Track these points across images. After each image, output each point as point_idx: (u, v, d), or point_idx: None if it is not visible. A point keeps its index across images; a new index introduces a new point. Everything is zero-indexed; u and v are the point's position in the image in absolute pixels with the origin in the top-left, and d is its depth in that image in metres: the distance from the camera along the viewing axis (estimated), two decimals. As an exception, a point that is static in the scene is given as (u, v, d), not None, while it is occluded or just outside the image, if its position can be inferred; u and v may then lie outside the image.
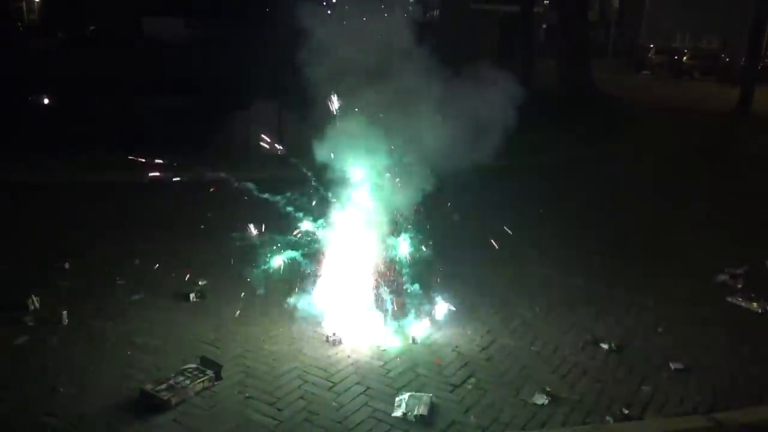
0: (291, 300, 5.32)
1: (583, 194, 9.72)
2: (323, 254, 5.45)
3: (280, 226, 5.94)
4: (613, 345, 4.89)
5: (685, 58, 34.08)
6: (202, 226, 7.53)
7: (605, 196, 9.75)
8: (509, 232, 6.74)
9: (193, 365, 4.23)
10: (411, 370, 4.45)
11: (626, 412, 4.01)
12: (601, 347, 4.88)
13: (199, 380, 4.07)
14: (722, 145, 15.57)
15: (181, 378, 4.07)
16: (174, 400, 3.89)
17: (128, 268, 6.11)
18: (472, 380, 4.35)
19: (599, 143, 13.62)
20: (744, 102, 18.74)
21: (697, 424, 3.81)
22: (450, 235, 7.08)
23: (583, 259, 6.79)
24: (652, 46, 39.06)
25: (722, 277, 6.36)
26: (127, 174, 9.60)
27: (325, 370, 4.39)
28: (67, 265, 6.12)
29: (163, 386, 3.97)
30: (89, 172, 9.79)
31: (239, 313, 5.17)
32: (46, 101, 12.96)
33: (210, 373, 4.15)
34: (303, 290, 5.37)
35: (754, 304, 5.74)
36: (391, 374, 4.38)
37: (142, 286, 5.70)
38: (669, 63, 34.56)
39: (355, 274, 5.30)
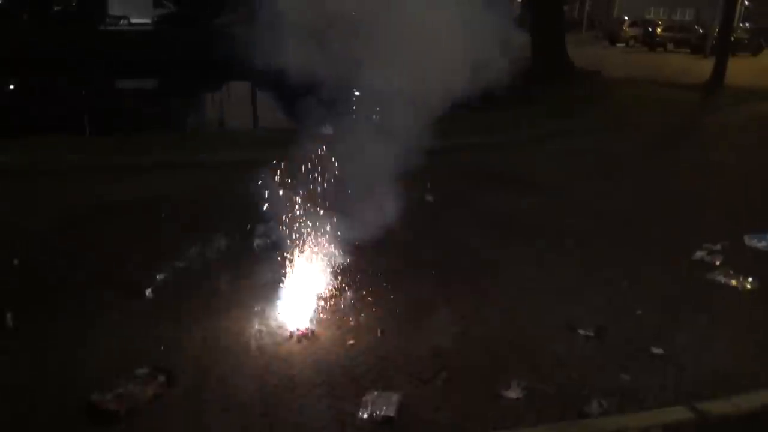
0: (255, 293, 5.03)
1: (553, 170, 9.53)
2: (289, 244, 5.17)
3: (248, 214, 5.65)
4: (590, 331, 4.69)
5: (659, 30, 34.01)
6: (163, 215, 7.23)
7: (576, 172, 9.57)
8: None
9: (145, 369, 3.94)
10: (379, 365, 4.21)
11: (604, 404, 3.81)
12: (578, 333, 4.68)
13: (151, 386, 3.78)
14: (697, 116, 15.48)
15: (131, 385, 3.78)
16: (123, 411, 3.60)
17: (84, 260, 5.78)
18: (444, 374, 4.11)
19: (571, 118, 13.44)
20: (717, 74, 18.63)
21: (679, 416, 3.62)
22: (421, 218, 6.87)
23: (555, 238, 6.59)
24: (626, 18, 38.94)
25: (700, 254, 6.20)
26: (93, 157, 9.24)
27: (288, 370, 4.12)
28: (16, 261, 5.76)
29: (111, 395, 3.68)
30: (54, 155, 9.36)
31: (199, 309, 4.89)
32: (11, 86, 12.46)
33: (162, 378, 3.86)
34: (268, 282, 5.09)
35: (734, 282, 5.59)
36: (359, 371, 4.14)
37: (96, 280, 5.38)
38: (643, 35, 34.49)
39: (321, 265, 5.05)
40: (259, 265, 5.34)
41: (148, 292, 5.14)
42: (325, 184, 5.93)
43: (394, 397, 3.79)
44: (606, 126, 13.14)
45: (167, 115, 13.66)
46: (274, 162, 5.62)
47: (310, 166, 6.05)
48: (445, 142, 10.39)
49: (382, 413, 3.64)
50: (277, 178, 5.56)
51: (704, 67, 20.77)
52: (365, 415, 3.66)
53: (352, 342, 4.48)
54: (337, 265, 5.30)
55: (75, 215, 6.92)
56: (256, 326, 4.64)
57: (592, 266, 5.96)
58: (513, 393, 3.92)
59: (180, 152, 9.90)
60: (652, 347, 4.49)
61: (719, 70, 18.67)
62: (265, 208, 5.40)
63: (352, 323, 4.72)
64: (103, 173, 8.66)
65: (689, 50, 30.52)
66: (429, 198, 7.80)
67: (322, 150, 6.26)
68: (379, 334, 4.58)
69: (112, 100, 12.36)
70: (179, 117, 13.95)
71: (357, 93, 7.45)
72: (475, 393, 3.95)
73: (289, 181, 6.00)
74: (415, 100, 6.22)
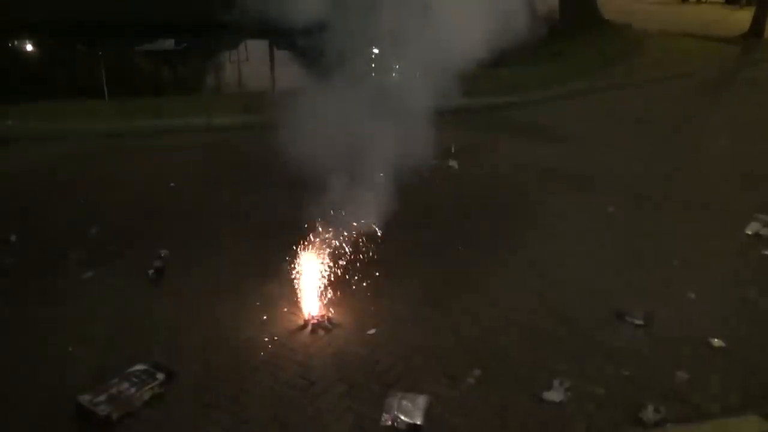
0: (265, 274, 4.58)
1: (588, 129, 8.90)
2: (302, 216, 4.69)
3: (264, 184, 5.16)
4: (639, 318, 4.18)
5: (691, -21, 32.28)
6: (172, 184, 6.79)
7: (612, 131, 8.93)
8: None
9: (142, 366, 3.52)
10: (403, 359, 3.75)
11: (661, 410, 3.32)
12: (626, 321, 4.18)
13: (148, 386, 3.37)
14: (737, 71, 14.58)
15: (126, 385, 3.37)
16: (115, 415, 3.19)
17: (83, 237, 5.38)
18: (476, 372, 3.65)
19: (602, 74, 12.67)
20: (756, 25, 17.51)
21: (752, 428, 3.12)
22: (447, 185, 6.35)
23: (594, 211, 6.04)
24: (656, -33, 37.07)
25: (755, 226, 5.63)
26: (106, 123, 8.77)
27: (302, 365, 3.68)
28: (13, 238, 5.37)
29: (103, 397, 3.27)
30: (65, 122, 8.89)
31: (204, 292, 4.47)
32: (29, 47, 11.96)
33: (160, 376, 3.44)
34: (279, 262, 4.61)
35: (796, 260, 5.03)
36: (381, 366, 3.69)
37: (95, 260, 4.97)
38: (674, -15, 32.75)
39: (338, 242, 4.57)
40: (269, 240, 4.87)
41: (150, 273, 4.72)
42: (343, 149, 5.43)
43: (421, 400, 3.33)
44: (641, 82, 12.36)
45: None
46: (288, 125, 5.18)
47: (326, 130, 5.55)
48: (471, 101, 9.81)
49: (409, 420, 3.20)
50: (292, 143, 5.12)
51: (740, 18, 19.62)
52: (389, 422, 3.21)
53: (372, 332, 4.02)
54: (357, 240, 4.81)
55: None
56: (266, 314, 4.20)
57: (633, 238, 5.43)
58: (556, 395, 3.45)
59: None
60: (710, 338, 3.97)
61: (758, 22, 17.55)
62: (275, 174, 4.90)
63: (372, 309, 4.26)
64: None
65: (723, 0, 28.95)
66: (453, 164, 7.27)
67: (338, 112, 5.78)
68: (402, 323, 4.12)
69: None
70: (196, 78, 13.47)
71: (376, 51, 6.92)
72: (512, 395, 3.48)
73: (301, 146, 5.52)
74: (439, 57, 5.75)
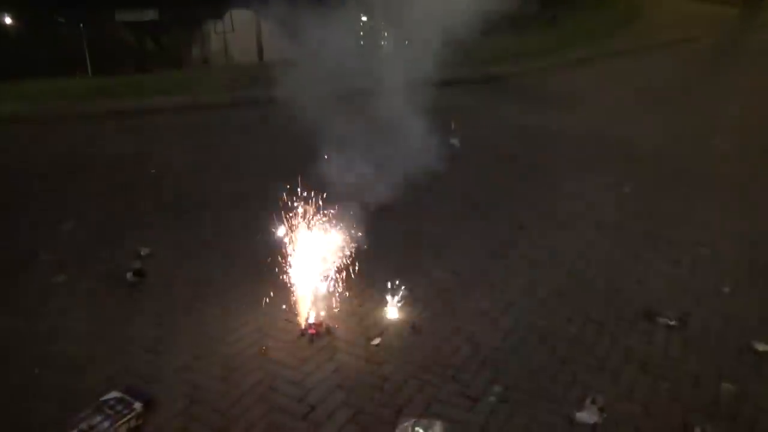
0: (258, 276, 4.12)
1: (599, 96, 8.41)
2: (299, 216, 4.21)
3: (253, 169, 4.66)
4: (672, 319, 3.77)
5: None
6: (153, 171, 6.29)
7: (622, 100, 8.45)
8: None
9: (117, 394, 3.08)
10: (414, 376, 3.32)
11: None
12: (657, 322, 3.76)
13: (123, 420, 2.92)
14: (742, 34, 14.05)
15: (99, 418, 2.93)
16: (85, 458, 2.77)
17: (57, 234, 4.91)
18: (497, 389, 3.23)
19: (606, 40, 12.13)
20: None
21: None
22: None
23: (611, 191, 5.61)
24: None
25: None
26: (90, 104, 8.20)
27: (300, 385, 3.25)
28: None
29: (71, 434, 2.84)
30: (44, 102, 8.29)
31: (188, 298, 4.02)
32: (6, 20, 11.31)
33: (138, 405, 3.00)
34: (273, 262, 4.15)
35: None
36: (389, 386, 3.25)
37: (69, 260, 4.52)
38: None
39: (338, 232, 4.09)
40: (260, 235, 4.40)
41: (129, 275, 4.25)
42: (340, 129, 4.98)
43: (438, 428, 2.92)
44: (645, 48, 11.83)
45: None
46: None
47: (319, 108, 5.08)
48: (473, 72, 9.30)
49: (424, 455, 2.79)
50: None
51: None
52: (402, 457, 2.80)
53: (377, 342, 3.59)
54: (357, 235, 4.35)
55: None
56: (258, 322, 3.76)
57: (653, 222, 5.01)
58: (589, 416, 3.03)
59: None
60: (754, 341, 3.57)
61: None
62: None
63: (376, 314, 3.83)
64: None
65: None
66: (455, 142, 6.78)
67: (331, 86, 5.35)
68: (410, 330, 3.69)
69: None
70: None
71: (364, 19, 6.48)
72: (540, 416, 3.06)
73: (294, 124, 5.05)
74: (433, 25, 5.35)
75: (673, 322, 3.74)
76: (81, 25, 10.56)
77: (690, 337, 3.64)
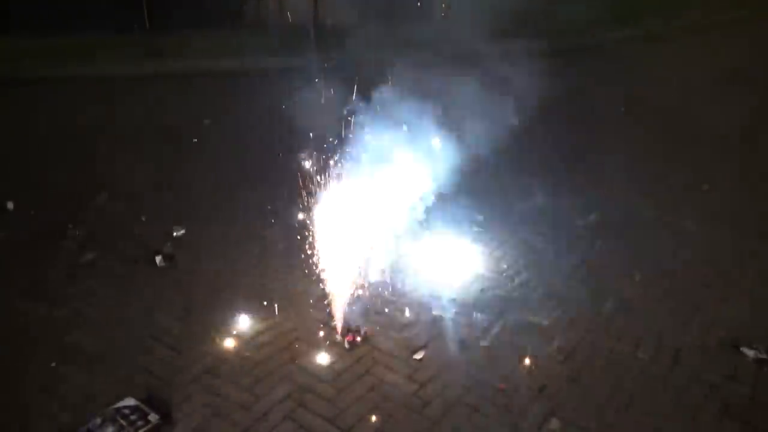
0: (298, 268, 3.79)
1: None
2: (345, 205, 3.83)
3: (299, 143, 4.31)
4: (762, 351, 3.27)
5: None
6: (195, 140, 6.02)
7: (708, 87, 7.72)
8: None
9: (133, 402, 2.81)
10: (460, 401, 2.95)
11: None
12: (743, 354, 3.27)
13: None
14: None
15: (110, 429, 2.67)
16: (93, 477, 2.51)
17: (87, 208, 4.69)
18: (556, 423, 2.83)
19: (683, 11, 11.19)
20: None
21: None
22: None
23: (693, 190, 5.04)
24: None
25: None
26: (131, 64, 7.98)
27: (332, 403, 2.92)
28: (10, 206, 4.72)
29: (79, 448, 2.59)
30: (93, 63, 8.11)
31: (219, 290, 3.73)
32: None
33: (154, 418, 2.73)
34: (299, 252, 3.81)
35: None
36: (430, 410, 2.89)
37: (98, 238, 4.29)
38: None
39: (374, 223, 3.69)
40: (300, 219, 4.04)
41: (159, 260, 3.99)
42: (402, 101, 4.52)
43: (485, 471, 2.55)
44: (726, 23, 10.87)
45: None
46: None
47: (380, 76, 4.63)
48: (529, 42, 8.66)
49: (468, 504, 2.43)
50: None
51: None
52: (442, 503, 2.45)
53: (420, 356, 3.22)
54: (395, 219, 3.94)
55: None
56: (290, 323, 3.44)
57: (740, 231, 4.45)
58: (662, 469, 2.62)
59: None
60: None
61: None
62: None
63: (419, 323, 3.46)
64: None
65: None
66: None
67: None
68: (458, 345, 3.31)
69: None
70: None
71: None
72: (604, 463, 2.66)
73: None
74: None
75: (763, 355, 3.24)
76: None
77: (783, 375, 3.14)
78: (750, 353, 3.26)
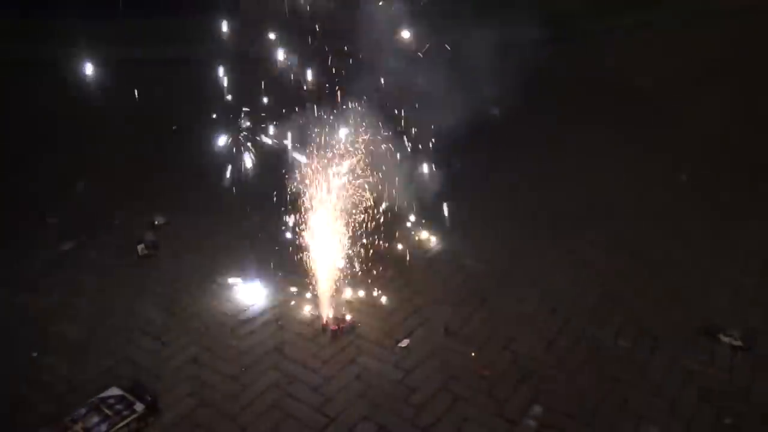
0: (283, 257, 3.77)
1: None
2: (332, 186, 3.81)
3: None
4: (736, 338, 3.35)
5: None
6: (174, 127, 5.92)
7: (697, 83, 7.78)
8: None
9: (118, 392, 2.80)
10: (445, 387, 2.99)
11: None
12: (720, 341, 3.35)
13: (122, 423, 2.65)
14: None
15: (95, 419, 2.66)
16: (78, 466, 2.51)
17: (69, 195, 4.63)
18: (539, 409, 2.88)
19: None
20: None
21: None
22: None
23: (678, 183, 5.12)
24: None
25: None
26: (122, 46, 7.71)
27: (319, 391, 2.94)
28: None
29: (64, 438, 2.57)
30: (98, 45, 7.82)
31: (203, 279, 3.71)
32: None
33: (139, 407, 2.72)
34: (286, 239, 3.78)
35: None
36: (416, 397, 2.93)
37: (80, 225, 4.24)
38: None
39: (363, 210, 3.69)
40: (283, 208, 4.04)
41: (141, 248, 3.95)
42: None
43: (470, 457, 2.59)
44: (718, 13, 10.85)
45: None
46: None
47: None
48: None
49: (454, 490, 2.47)
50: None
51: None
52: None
53: (405, 344, 3.25)
54: (391, 213, 3.95)
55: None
56: (275, 311, 3.44)
57: (720, 222, 4.53)
58: (643, 453, 2.68)
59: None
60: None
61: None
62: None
63: (404, 311, 3.48)
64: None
65: None
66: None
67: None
68: (443, 332, 3.34)
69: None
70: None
71: None
72: (586, 448, 2.72)
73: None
74: None
75: (737, 342, 3.32)
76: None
77: (758, 361, 3.22)
78: (726, 340, 3.34)
